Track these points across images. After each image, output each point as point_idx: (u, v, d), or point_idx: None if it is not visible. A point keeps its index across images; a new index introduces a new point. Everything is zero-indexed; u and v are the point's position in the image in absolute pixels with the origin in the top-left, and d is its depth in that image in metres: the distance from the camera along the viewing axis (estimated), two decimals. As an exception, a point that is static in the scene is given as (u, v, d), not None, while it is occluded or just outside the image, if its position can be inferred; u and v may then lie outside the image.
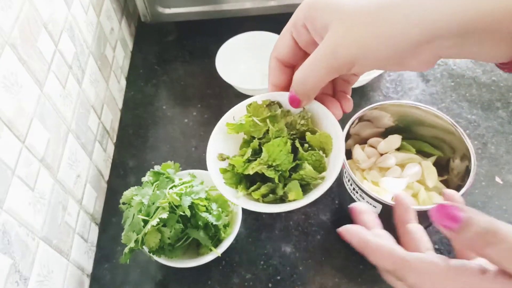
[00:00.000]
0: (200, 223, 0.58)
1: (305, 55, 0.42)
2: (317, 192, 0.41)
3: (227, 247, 0.61)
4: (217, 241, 0.61)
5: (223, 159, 0.46)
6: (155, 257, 0.59)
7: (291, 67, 0.45)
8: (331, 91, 0.46)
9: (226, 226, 0.62)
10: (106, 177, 0.77)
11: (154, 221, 0.55)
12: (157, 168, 0.63)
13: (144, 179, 0.61)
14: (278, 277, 0.64)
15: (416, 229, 0.38)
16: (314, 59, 0.39)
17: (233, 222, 0.63)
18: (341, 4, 0.37)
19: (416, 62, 0.37)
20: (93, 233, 0.70)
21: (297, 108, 0.43)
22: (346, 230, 0.37)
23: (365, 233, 0.36)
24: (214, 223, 0.59)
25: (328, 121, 0.44)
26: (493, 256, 0.29)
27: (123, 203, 0.60)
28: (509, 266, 0.29)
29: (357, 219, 0.39)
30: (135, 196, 0.59)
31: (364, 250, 0.35)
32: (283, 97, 0.45)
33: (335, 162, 0.42)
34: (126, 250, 0.57)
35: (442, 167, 0.64)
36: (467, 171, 0.58)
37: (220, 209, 0.61)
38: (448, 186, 0.63)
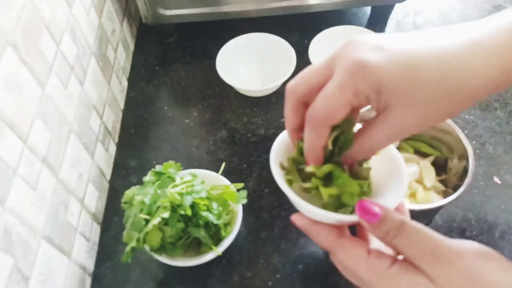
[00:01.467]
0: (201, 222, 0.59)
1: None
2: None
3: (227, 245, 0.61)
4: (217, 240, 0.62)
5: (284, 169, 0.47)
6: (156, 256, 0.60)
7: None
8: None
9: (226, 225, 0.63)
10: (108, 177, 0.78)
11: (155, 220, 0.56)
12: (158, 167, 0.63)
13: (145, 178, 0.62)
14: (278, 276, 0.65)
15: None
16: (383, 135, 0.39)
17: (233, 221, 0.64)
18: (407, 83, 0.35)
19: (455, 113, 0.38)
20: (95, 232, 0.70)
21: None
22: (295, 218, 0.44)
23: (309, 219, 0.43)
24: (215, 222, 0.59)
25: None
26: (398, 245, 0.36)
27: (125, 203, 0.61)
28: (408, 252, 0.36)
29: (309, 231, 0.43)
30: (136, 196, 0.59)
31: (308, 232, 0.43)
32: None
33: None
34: (128, 249, 0.57)
35: (440, 167, 0.65)
36: (465, 171, 0.58)
37: (220, 208, 0.61)
38: (446, 186, 0.63)
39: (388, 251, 0.39)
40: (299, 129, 0.43)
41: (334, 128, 0.40)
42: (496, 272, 0.35)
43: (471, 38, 0.35)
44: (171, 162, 0.64)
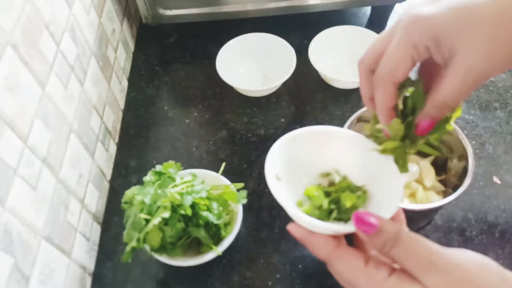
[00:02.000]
0: (201, 222, 0.59)
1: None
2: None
3: (228, 245, 0.61)
4: (217, 240, 0.62)
5: (279, 179, 0.48)
6: (157, 256, 0.60)
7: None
8: None
9: (226, 224, 0.63)
10: (108, 177, 0.78)
11: (155, 220, 0.56)
12: (158, 167, 0.63)
13: (145, 178, 0.62)
14: (278, 276, 0.65)
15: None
16: (454, 84, 0.37)
17: (233, 221, 0.64)
18: (463, 24, 0.35)
19: None
20: (95, 232, 0.71)
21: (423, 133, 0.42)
22: (292, 228, 0.44)
23: (306, 229, 0.43)
24: (215, 222, 0.59)
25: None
26: (395, 256, 0.37)
27: (125, 202, 0.61)
28: (405, 263, 0.36)
29: (306, 241, 0.44)
30: (136, 196, 0.59)
31: (304, 242, 0.43)
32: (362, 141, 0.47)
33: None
34: (128, 248, 0.57)
35: (440, 167, 0.65)
36: (465, 171, 0.58)
37: (220, 208, 0.61)
38: (446, 186, 0.63)
39: (386, 259, 0.40)
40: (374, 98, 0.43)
41: (402, 86, 0.41)
42: (495, 283, 0.36)
43: None
44: (171, 162, 0.64)
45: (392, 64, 0.38)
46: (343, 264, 0.41)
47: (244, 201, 0.63)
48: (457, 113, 0.42)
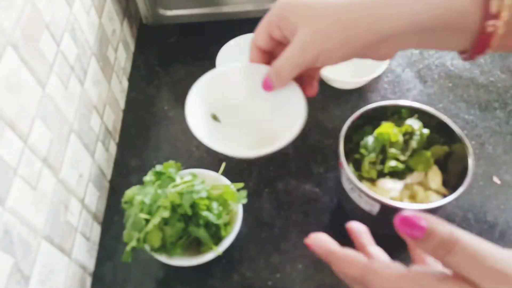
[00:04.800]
0: (201, 221, 0.59)
1: (279, 44, 0.52)
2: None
3: (228, 245, 0.61)
4: (218, 240, 0.62)
5: (218, 120, 0.61)
6: (157, 256, 0.60)
7: (267, 53, 0.55)
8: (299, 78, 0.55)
9: (226, 224, 0.63)
10: (109, 177, 0.78)
11: (155, 220, 0.56)
12: (158, 167, 0.63)
13: (146, 178, 0.62)
14: (278, 275, 0.65)
15: (377, 251, 0.41)
16: (286, 57, 0.48)
17: (233, 220, 0.64)
18: (308, 7, 0.45)
19: (375, 56, 0.46)
20: (95, 232, 0.71)
21: (268, 91, 0.55)
22: (313, 242, 0.40)
23: (330, 243, 0.39)
24: (215, 222, 0.59)
25: (296, 94, 0.56)
26: (452, 264, 0.31)
27: (125, 202, 0.61)
28: (466, 272, 0.30)
29: (355, 238, 0.43)
30: (137, 196, 0.59)
31: (329, 260, 0.38)
32: (259, 69, 0.56)
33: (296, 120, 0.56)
34: (128, 248, 0.57)
35: (439, 167, 0.65)
36: (465, 171, 0.58)
37: (220, 208, 0.62)
38: (445, 186, 0.63)
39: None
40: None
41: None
42: None
43: None
44: (171, 162, 0.64)
45: (255, 35, 0.53)
46: (382, 279, 0.34)
47: (244, 201, 0.63)
48: None
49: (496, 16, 0.39)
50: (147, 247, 0.58)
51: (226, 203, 0.63)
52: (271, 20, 0.50)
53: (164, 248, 0.59)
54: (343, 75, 0.86)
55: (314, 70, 0.55)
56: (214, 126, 0.62)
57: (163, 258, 0.60)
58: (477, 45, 0.41)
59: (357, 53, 0.45)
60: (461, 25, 0.41)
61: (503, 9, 0.39)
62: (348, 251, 0.38)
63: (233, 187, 0.64)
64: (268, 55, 0.55)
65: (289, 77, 0.51)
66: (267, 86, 0.54)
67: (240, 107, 0.62)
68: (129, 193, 0.61)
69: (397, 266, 0.35)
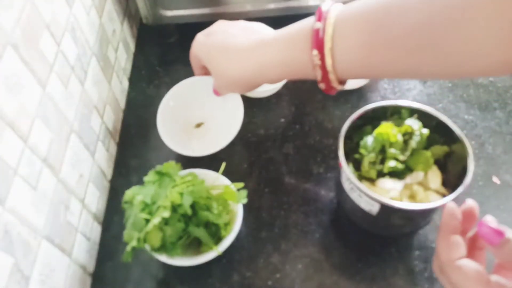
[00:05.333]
0: (201, 221, 0.59)
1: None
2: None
3: (228, 245, 0.61)
4: (218, 240, 0.62)
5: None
6: (157, 256, 0.60)
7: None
8: None
9: (226, 224, 0.63)
10: (109, 177, 0.78)
11: (156, 220, 0.56)
12: (159, 167, 0.63)
13: (146, 178, 0.62)
14: (278, 275, 0.65)
15: (459, 240, 0.44)
16: (217, 87, 0.65)
17: (233, 220, 0.64)
18: (213, 55, 0.60)
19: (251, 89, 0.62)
20: (96, 232, 0.71)
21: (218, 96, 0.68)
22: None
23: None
24: (215, 221, 0.59)
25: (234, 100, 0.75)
26: None
27: (125, 202, 0.61)
28: None
29: (445, 218, 0.46)
30: (137, 195, 0.60)
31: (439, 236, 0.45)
32: (206, 81, 0.71)
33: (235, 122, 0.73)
34: (128, 248, 0.57)
35: (439, 167, 0.65)
36: (464, 171, 0.58)
37: (220, 208, 0.62)
38: (445, 186, 0.63)
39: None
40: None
41: None
42: None
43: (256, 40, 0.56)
44: (171, 162, 0.64)
45: (191, 60, 0.68)
46: (464, 275, 0.40)
47: (244, 201, 0.63)
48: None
49: (325, 80, 0.50)
50: (147, 247, 0.58)
51: (226, 203, 0.64)
52: (192, 55, 0.67)
53: (164, 248, 0.59)
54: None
55: None
56: (178, 129, 0.78)
57: (163, 258, 0.60)
58: (325, 90, 0.52)
59: (253, 89, 0.61)
60: (310, 77, 0.52)
61: (330, 74, 0.49)
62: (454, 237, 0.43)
63: (233, 187, 0.64)
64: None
65: (226, 93, 0.66)
66: (216, 93, 0.67)
67: (195, 113, 0.80)
68: (129, 193, 0.61)
69: (478, 268, 0.40)
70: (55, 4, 0.62)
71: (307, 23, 0.50)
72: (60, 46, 0.63)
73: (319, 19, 0.47)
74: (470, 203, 0.48)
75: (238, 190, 0.64)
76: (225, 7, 0.88)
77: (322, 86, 0.51)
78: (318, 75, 0.49)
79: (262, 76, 0.56)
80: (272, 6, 0.88)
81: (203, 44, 0.62)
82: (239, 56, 0.56)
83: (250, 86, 0.60)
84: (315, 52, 0.47)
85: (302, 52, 0.49)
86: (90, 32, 0.75)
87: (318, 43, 0.47)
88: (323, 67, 0.48)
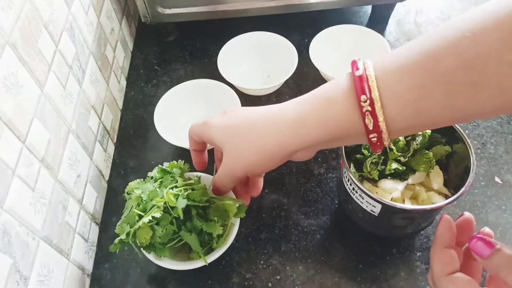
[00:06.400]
0: (194, 228, 0.57)
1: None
2: None
3: (217, 257, 0.59)
4: (209, 249, 0.60)
5: None
6: (145, 253, 0.58)
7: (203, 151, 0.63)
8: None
9: (220, 236, 0.60)
10: (107, 177, 0.78)
11: (146, 219, 0.55)
12: (166, 165, 0.62)
13: (150, 174, 0.61)
14: (278, 277, 0.64)
15: (452, 254, 0.45)
16: (219, 176, 0.56)
17: (228, 234, 0.61)
18: (232, 131, 0.52)
19: (295, 159, 0.52)
20: (94, 232, 0.70)
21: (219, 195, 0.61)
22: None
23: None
24: (208, 231, 0.57)
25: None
26: None
27: (127, 193, 0.60)
28: None
29: (440, 231, 0.46)
30: (136, 189, 0.59)
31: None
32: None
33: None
34: (116, 240, 0.56)
35: (441, 167, 0.64)
36: (466, 171, 0.58)
37: (216, 219, 0.59)
38: (447, 186, 0.63)
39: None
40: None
41: None
42: None
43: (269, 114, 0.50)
44: (179, 161, 0.63)
45: (189, 141, 0.60)
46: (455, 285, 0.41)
47: (243, 215, 0.60)
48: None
49: (376, 129, 0.43)
50: (136, 243, 0.57)
51: (226, 213, 0.60)
52: (193, 139, 0.59)
53: (153, 246, 0.57)
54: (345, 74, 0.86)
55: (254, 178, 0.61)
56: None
57: (151, 257, 0.59)
58: (374, 145, 0.44)
59: (278, 164, 0.51)
60: (353, 136, 0.45)
61: (380, 122, 0.42)
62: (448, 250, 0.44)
63: (233, 202, 0.60)
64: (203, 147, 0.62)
65: (229, 188, 0.59)
66: (216, 192, 0.60)
67: (193, 114, 0.82)
68: (132, 184, 0.60)
69: (470, 279, 0.41)
70: (53, 3, 0.62)
71: (340, 80, 0.46)
72: (58, 45, 0.62)
73: (357, 69, 0.43)
74: (467, 215, 0.48)
75: (238, 206, 0.60)
76: (224, 5, 0.88)
77: (372, 139, 0.44)
78: (369, 123, 0.42)
79: (294, 141, 0.48)
80: (272, 4, 0.88)
81: (218, 125, 0.53)
82: (270, 123, 0.49)
83: (276, 159, 0.50)
84: (364, 97, 0.41)
85: (344, 104, 0.44)
86: (88, 31, 0.74)
87: (363, 89, 0.41)
88: (373, 113, 0.42)
